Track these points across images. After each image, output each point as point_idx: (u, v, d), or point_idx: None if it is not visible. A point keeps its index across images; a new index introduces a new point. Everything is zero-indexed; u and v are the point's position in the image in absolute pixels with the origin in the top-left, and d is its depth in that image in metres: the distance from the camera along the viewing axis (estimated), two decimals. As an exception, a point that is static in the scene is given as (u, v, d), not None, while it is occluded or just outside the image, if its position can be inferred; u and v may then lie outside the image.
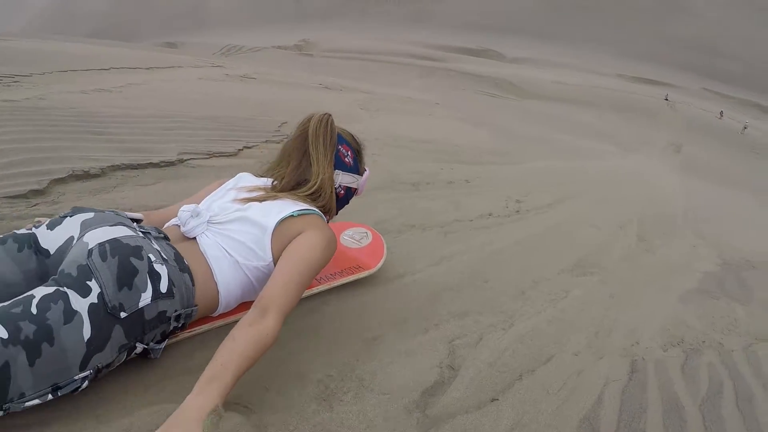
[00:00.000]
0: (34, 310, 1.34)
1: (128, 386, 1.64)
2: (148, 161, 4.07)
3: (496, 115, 20.28)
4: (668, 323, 3.54)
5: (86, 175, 3.59)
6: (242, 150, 5.05)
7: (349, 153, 2.40)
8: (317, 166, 2.15)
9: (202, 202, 2.07)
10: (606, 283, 3.96)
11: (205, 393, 1.32)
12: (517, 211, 5.32)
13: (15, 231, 1.67)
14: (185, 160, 4.32)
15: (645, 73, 64.13)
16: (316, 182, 2.11)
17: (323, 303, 2.51)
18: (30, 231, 1.67)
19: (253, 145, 5.27)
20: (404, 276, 3.14)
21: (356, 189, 2.48)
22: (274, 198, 2.00)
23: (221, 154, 4.73)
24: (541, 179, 7.72)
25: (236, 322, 1.56)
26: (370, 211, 4.08)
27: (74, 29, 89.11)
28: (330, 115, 2.34)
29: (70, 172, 3.56)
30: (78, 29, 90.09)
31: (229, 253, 1.83)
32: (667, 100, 42.47)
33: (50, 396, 1.39)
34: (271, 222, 1.86)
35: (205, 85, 8.89)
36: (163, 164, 4.12)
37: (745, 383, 3.02)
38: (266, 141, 5.57)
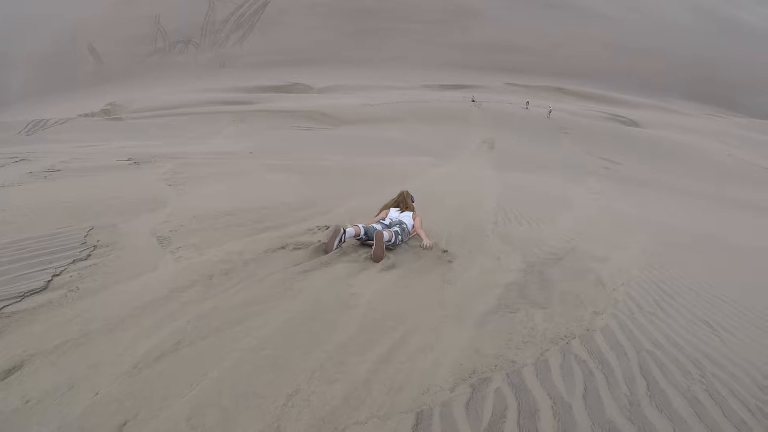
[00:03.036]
0: (401, 225, 7.13)
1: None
2: (-33, 320, 3.66)
3: (311, 153, 20.53)
4: (462, 357, 3.79)
5: None
6: (51, 281, 4.63)
7: (412, 196, 8.18)
8: (410, 203, 7.89)
9: (390, 215, 7.55)
10: (404, 336, 4.11)
11: (427, 240, 7.02)
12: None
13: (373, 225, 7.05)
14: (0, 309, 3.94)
15: (449, 79, 68.70)
16: (411, 207, 7.83)
17: None
18: (382, 221, 7.28)
19: (62, 270, 4.87)
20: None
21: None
22: (406, 210, 7.72)
23: (32, 292, 4.33)
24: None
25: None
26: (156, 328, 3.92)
27: None
28: (408, 191, 8.26)
29: None
30: None
31: (407, 222, 7.33)
32: (473, 101, 45.58)
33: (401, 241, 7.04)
34: (410, 215, 7.57)
35: (6, 197, 8.10)
36: (-20, 319, 3.73)
37: (532, 399, 3.33)
38: (74, 261, 5.15)
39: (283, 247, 6.15)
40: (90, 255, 5.37)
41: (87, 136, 26.76)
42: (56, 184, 9.31)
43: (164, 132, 30.08)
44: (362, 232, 6.54)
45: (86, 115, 49.22)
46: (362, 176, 13.73)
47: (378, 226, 6.90)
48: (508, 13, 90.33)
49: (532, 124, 38.46)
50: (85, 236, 5.96)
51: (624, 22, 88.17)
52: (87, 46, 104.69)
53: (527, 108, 44.18)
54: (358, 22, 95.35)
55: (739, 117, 61.88)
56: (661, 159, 30.44)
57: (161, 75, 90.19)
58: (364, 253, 6.26)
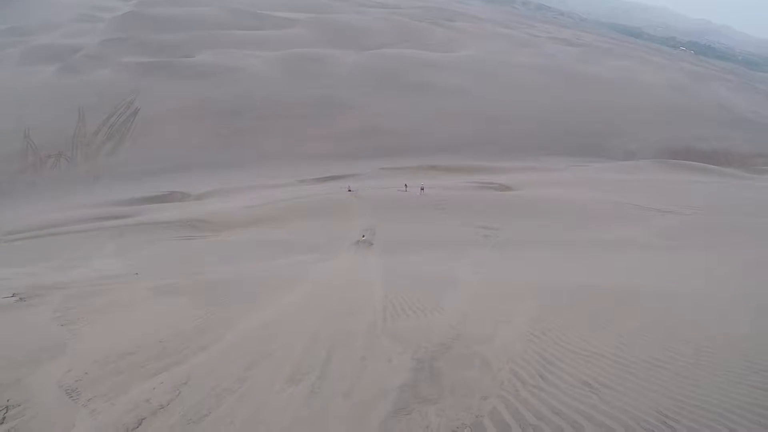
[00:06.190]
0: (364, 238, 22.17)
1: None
2: None
3: (194, 265, 20.27)
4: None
5: None
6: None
7: (364, 233, 24.70)
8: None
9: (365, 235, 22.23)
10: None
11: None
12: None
13: None
14: None
15: (323, 171, 69.93)
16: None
17: None
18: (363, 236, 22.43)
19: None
20: None
21: None
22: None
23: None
24: (215, 370, 7.43)
25: None
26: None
27: None
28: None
29: None
30: None
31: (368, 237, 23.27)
32: (350, 190, 46.63)
33: None
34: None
35: None
36: None
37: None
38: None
39: (185, 383, 6.32)
40: (5, 418, 5.41)
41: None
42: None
43: (44, 255, 28.72)
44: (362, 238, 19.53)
45: (-42, 239, 45.93)
46: (249, 286, 13.85)
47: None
48: (371, 99, 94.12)
49: (409, 205, 39.75)
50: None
51: (481, 94, 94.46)
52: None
53: (407, 190, 45.67)
54: (228, 123, 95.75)
55: (604, 162, 67.24)
56: (536, 217, 32.29)
57: (35, 192, 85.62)
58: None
